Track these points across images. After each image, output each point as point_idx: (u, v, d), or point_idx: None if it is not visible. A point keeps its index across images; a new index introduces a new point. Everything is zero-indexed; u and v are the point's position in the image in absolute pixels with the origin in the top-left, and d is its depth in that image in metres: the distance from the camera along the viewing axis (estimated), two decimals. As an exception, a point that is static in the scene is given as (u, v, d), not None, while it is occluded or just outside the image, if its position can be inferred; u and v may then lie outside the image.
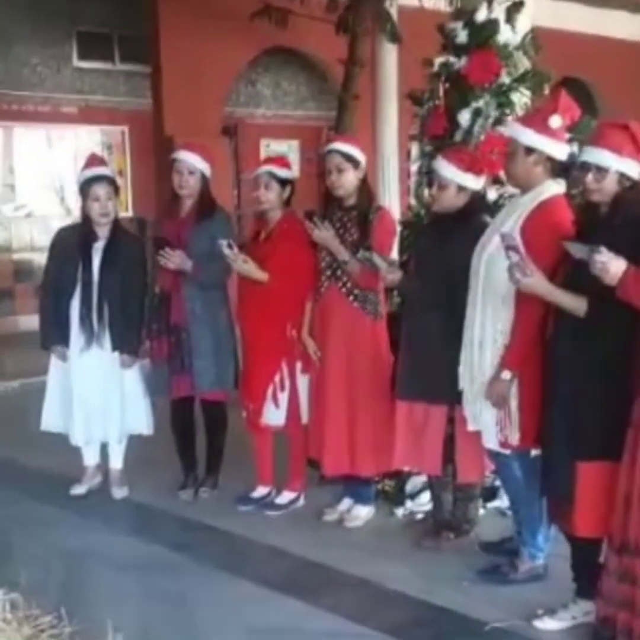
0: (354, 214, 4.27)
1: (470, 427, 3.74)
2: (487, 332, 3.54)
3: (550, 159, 3.47)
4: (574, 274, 3.12)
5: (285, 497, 4.65)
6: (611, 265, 2.83)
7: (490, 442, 3.62)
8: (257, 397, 4.47)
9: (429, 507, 4.48)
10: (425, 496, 4.54)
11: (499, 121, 4.58)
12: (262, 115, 11.91)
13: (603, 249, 2.84)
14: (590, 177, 3.14)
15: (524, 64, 4.63)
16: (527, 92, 4.62)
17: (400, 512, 4.52)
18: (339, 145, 4.27)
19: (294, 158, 11.63)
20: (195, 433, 4.94)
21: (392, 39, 8.60)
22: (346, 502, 4.54)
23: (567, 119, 3.43)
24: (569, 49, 9.90)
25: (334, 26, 8.41)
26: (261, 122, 11.88)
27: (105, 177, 4.77)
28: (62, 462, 5.03)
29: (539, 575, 3.75)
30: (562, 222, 3.41)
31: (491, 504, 4.47)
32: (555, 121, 3.40)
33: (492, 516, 4.39)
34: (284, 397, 4.45)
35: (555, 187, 3.51)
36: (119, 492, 4.88)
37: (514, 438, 3.51)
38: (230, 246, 4.30)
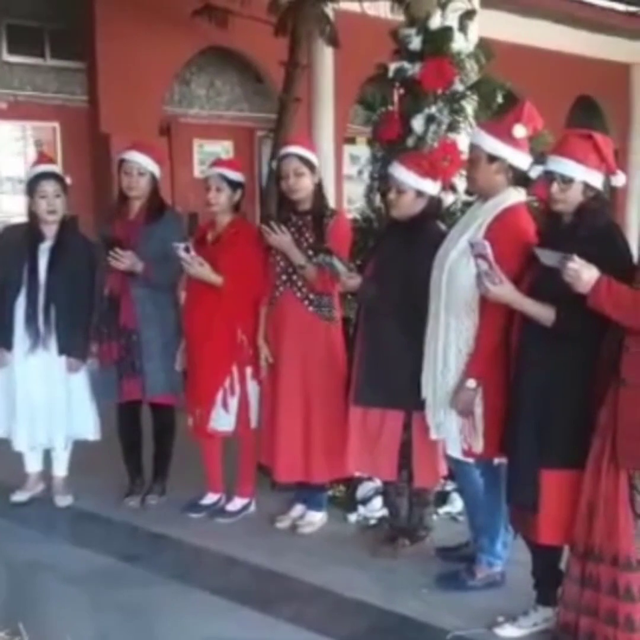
0: (309, 219, 4.24)
1: (433, 436, 3.74)
2: (450, 340, 3.53)
3: (512, 168, 3.49)
4: (540, 282, 3.14)
5: (237, 503, 4.59)
6: (583, 274, 2.85)
7: (454, 450, 3.62)
8: (206, 402, 4.40)
9: (381, 513, 4.47)
10: (377, 502, 4.53)
11: (451, 128, 4.61)
12: (196, 115, 11.78)
13: (575, 257, 2.86)
14: (555, 186, 3.16)
15: (475, 72, 4.67)
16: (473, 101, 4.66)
17: (353, 518, 4.50)
18: (297, 149, 4.23)
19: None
20: (142, 438, 4.84)
21: (331, 42, 8.58)
22: (298, 509, 4.50)
23: (530, 129, 3.46)
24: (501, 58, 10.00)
25: (273, 28, 8.37)
26: (194, 122, 11.74)
27: (54, 175, 4.64)
28: (2, 469, 4.87)
29: (496, 582, 3.77)
30: (525, 230, 3.44)
31: (442, 510, 4.49)
32: (519, 131, 3.42)
33: (445, 522, 4.41)
34: (234, 402, 4.39)
35: (517, 195, 3.53)
36: (63, 500, 4.75)
37: (478, 446, 3.52)
38: (187, 249, 4.22)
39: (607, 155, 3.16)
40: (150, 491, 4.77)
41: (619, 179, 3.18)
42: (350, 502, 4.58)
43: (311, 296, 4.20)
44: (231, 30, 9.01)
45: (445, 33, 4.53)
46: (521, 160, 3.49)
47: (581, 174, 3.13)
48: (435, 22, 4.61)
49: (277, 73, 9.63)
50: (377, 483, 4.55)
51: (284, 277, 4.25)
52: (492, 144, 3.44)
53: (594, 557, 3.01)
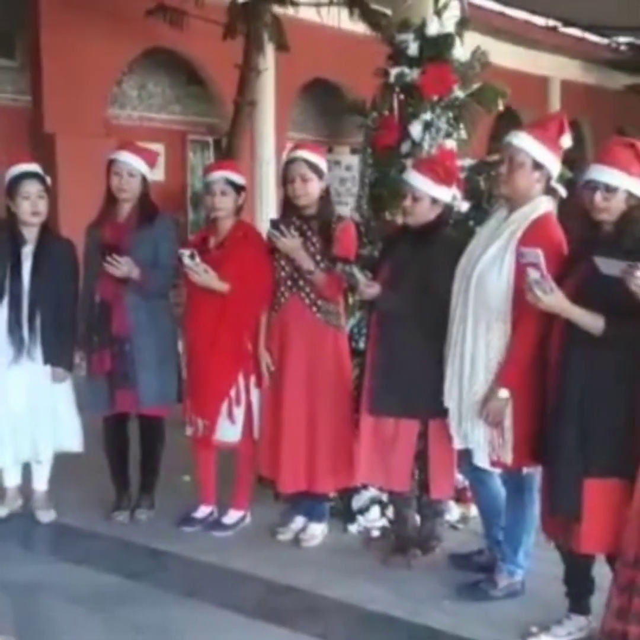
0: (314, 224, 4.16)
1: (458, 446, 3.69)
2: (479, 349, 3.50)
3: (549, 178, 3.48)
4: (584, 290, 3.12)
5: (232, 516, 4.45)
6: None
7: (482, 461, 3.58)
8: (211, 413, 4.25)
9: (381, 522, 4.42)
10: (376, 511, 4.47)
11: (449, 135, 4.59)
12: (128, 117, 11.52)
13: None
14: (599, 195, 3.16)
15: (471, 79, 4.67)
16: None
17: (354, 528, 4.42)
18: (305, 154, 4.14)
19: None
20: (128, 450, 4.65)
21: (281, 47, 8.50)
22: (299, 520, 4.40)
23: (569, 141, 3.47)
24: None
25: (223, 30, 8.25)
26: (127, 123, 11.48)
27: (36, 175, 4.43)
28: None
29: (517, 591, 3.74)
30: (560, 240, 3.43)
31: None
32: (566, 142, 3.41)
33: (447, 531, 4.36)
34: (240, 413, 4.26)
35: (548, 204, 3.52)
36: (46, 516, 4.53)
37: (507, 457, 3.49)
38: (192, 256, 4.07)
39: (650, 164, 3.17)
40: (139, 505, 4.59)
41: (658, 188, 3.20)
42: (347, 513, 4.50)
43: (319, 302, 4.12)
44: (176, 31, 8.83)
45: (446, 39, 4.51)
46: (557, 172, 3.49)
47: (625, 183, 3.13)
48: (433, 28, 4.58)
49: (220, 75, 9.53)
50: (374, 492, 4.49)
51: (289, 283, 4.15)
52: (540, 151, 3.42)
53: (646, 565, 3.01)
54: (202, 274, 4.10)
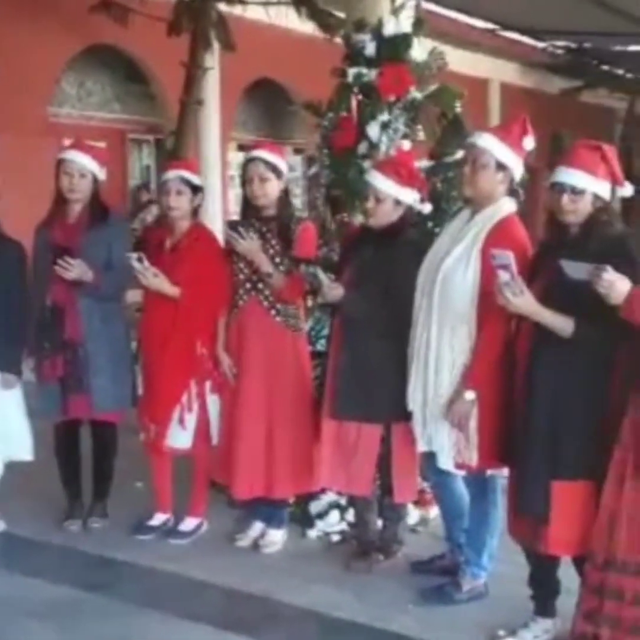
0: (274, 225, 4.09)
1: (421, 449, 3.67)
2: (444, 351, 3.47)
3: (512, 179, 3.48)
4: (551, 293, 3.11)
5: (189, 523, 4.36)
6: (617, 284, 2.85)
7: (446, 463, 3.55)
8: (162, 419, 4.16)
9: (340, 527, 4.37)
10: (335, 516, 4.42)
11: (406, 135, 4.57)
12: (68, 115, 11.29)
13: (609, 268, 2.85)
14: (565, 198, 3.15)
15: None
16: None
17: (313, 533, 4.36)
18: (263, 154, 4.07)
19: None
20: (80, 458, 4.53)
21: (227, 46, 8.41)
22: (258, 527, 4.33)
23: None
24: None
25: (167, 28, 8.13)
26: (66, 122, 11.25)
27: None
28: None
29: (481, 594, 3.73)
30: (525, 241, 3.43)
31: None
32: (529, 143, 3.41)
33: (407, 534, 4.33)
34: (191, 419, 4.17)
35: (511, 205, 3.51)
36: (-5, 526, 4.39)
37: (472, 459, 3.47)
38: (140, 260, 3.97)
39: (614, 166, 3.19)
40: (92, 513, 4.47)
41: (626, 190, 3.21)
42: (305, 518, 4.44)
43: (278, 305, 4.06)
44: (118, 27, 8.67)
45: (403, 40, 4.48)
46: (520, 173, 3.48)
47: (592, 186, 3.14)
48: (389, 28, 4.55)
49: (162, 73, 9.39)
50: (332, 497, 4.44)
51: (248, 286, 4.08)
52: (503, 152, 3.40)
53: (617, 567, 3.00)
54: (151, 278, 4.01)
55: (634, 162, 15.77)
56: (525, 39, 16.98)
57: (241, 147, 12.44)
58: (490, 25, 15.48)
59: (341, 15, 7.49)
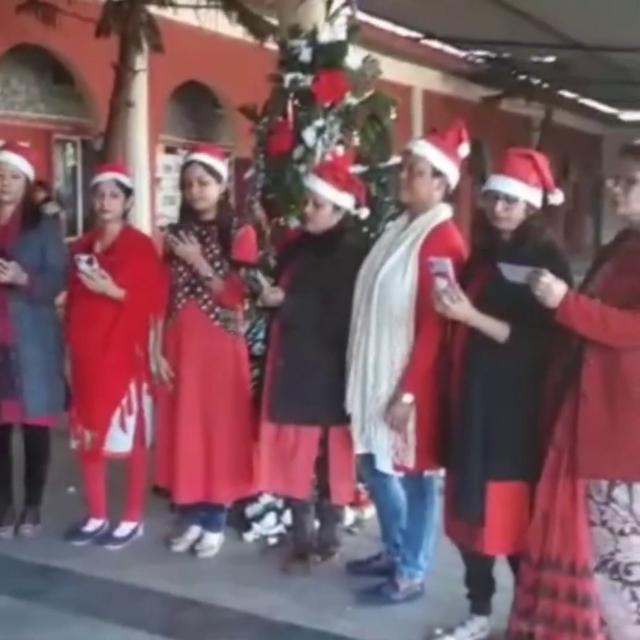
0: (214, 229, 4.09)
1: (359, 451, 3.71)
2: (382, 355, 3.52)
3: (448, 186, 3.55)
4: (486, 297, 3.18)
5: (125, 528, 4.32)
6: (554, 288, 2.93)
7: (384, 465, 3.61)
8: (101, 424, 4.12)
9: (277, 529, 4.39)
10: (271, 519, 4.43)
11: (341, 141, 4.62)
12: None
13: (546, 271, 2.93)
14: (500, 205, 3.23)
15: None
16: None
17: (250, 537, 4.36)
18: (202, 157, 4.07)
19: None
20: (12, 462, 4.45)
21: (156, 48, 8.36)
22: (195, 531, 4.31)
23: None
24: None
25: (96, 28, 8.03)
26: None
27: None
28: None
29: (417, 593, 3.79)
30: (461, 247, 3.50)
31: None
32: (465, 150, 3.48)
33: (342, 535, 4.37)
34: (131, 422, 4.15)
35: (447, 211, 3.59)
36: None
37: (410, 460, 3.52)
38: (90, 262, 3.93)
39: (545, 174, 3.28)
40: (24, 520, 4.40)
41: (556, 197, 3.31)
42: (241, 521, 4.45)
43: (217, 309, 4.06)
44: (46, 27, 8.53)
45: (339, 46, 4.53)
46: (456, 179, 3.55)
47: (524, 193, 3.23)
48: (325, 35, 4.60)
49: (90, 74, 9.28)
50: (268, 499, 4.46)
51: (186, 289, 4.07)
52: (439, 159, 3.47)
53: (551, 566, 3.08)
54: (99, 280, 3.98)
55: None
56: (448, 48, 17.29)
57: (169, 150, 12.40)
58: (414, 34, 15.71)
59: (273, 21, 7.51)
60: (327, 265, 3.80)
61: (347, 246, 3.88)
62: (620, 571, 3.02)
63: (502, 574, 3.43)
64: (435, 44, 16.67)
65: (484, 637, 3.47)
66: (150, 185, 9.68)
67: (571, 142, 24.37)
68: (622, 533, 2.99)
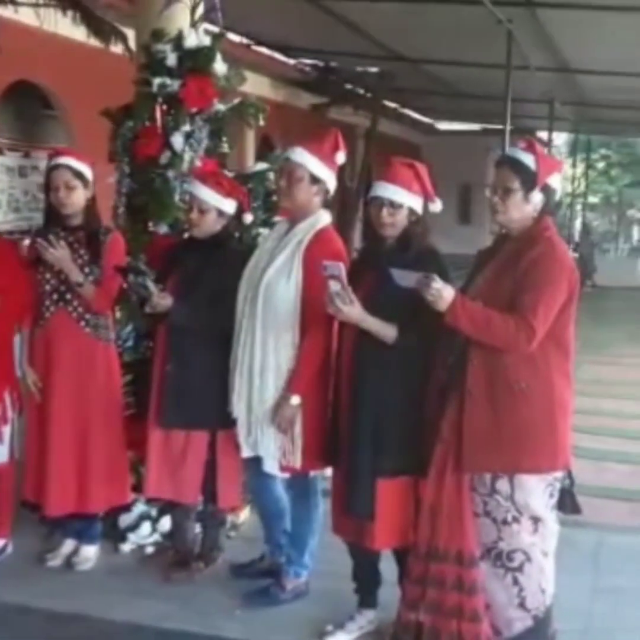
0: (81, 235, 4.01)
1: (245, 454, 3.72)
2: (268, 357, 3.56)
3: (327, 192, 3.64)
4: (375, 300, 3.28)
5: (-7, 546, 4.16)
6: (444, 292, 3.06)
7: (271, 467, 3.64)
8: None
9: (153, 538, 4.34)
10: (146, 527, 4.37)
11: (210, 148, 4.61)
12: None
13: (436, 277, 3.06)
14: (385, 211, 3.35)
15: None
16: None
17: (126, 547, 4.29)
18: (69, 161, 3.97)
19: None
20: None
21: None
22: (69, 544, 4.21)
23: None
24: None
25: None
26: None
27: None
28: None
29: (303, 591, 3.86)
30: (342, 251, 3.59)
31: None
32: (341, 157, 3.58)
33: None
34: (7, 431, 4.01)
35: (327, 217, 3.67)
36: None
37: (296, 461, 3.58)
38: None
39: (426, 183, 3.43)
40: None
41: (436, 206, 3.46)
42: (115, 532, 4.36)
43: (88, 316, 3.97)
44: None
45: (207, 53, 4.53)
46: (333, 185, 3.65)
47: (407, 200, 3.36)
48: (191, 40, 4.58)
49: None
50: (142, 508, 4.40)
51: (55, 296, 3.97)
52: (317, 166, 3.56)
53: (438, 557, 3.21)
54: None
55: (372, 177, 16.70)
56: (277, 55, 17.45)
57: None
58: (245, 41, 15.76)
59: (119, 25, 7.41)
60: (215, 270, 3.81)
61: (233, 251, 3.91)
62: (503, 558, 3.19)
63: (387, 567, 3.54)
64: (265, 50, 16.78)
65: (373, 629, 3.57)
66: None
67: (394, 149, 25.10)
68: (504, 522, 3.16)
